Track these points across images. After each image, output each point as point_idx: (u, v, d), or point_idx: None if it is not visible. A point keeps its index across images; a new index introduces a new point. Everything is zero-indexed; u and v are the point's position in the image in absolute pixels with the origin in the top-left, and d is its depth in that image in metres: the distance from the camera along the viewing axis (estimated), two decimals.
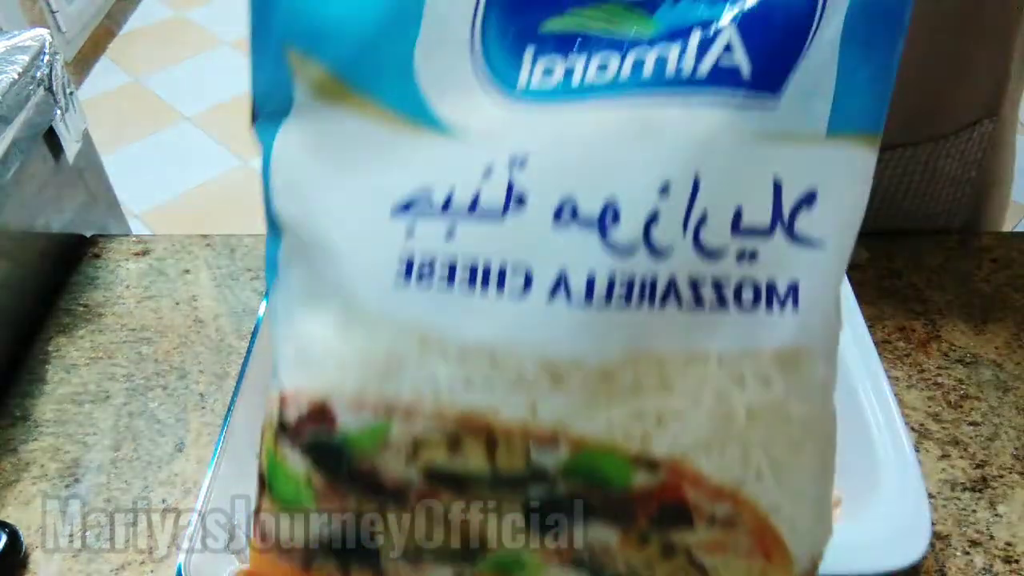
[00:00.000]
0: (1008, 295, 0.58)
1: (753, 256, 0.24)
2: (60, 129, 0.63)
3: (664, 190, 0.23)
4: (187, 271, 0.64)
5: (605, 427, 0.24)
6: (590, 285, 0.23)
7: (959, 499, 0.47)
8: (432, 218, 0.24)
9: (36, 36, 0.60)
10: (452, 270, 0.24)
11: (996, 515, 0.46)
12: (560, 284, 0.24)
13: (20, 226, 0.61)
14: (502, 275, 0.24)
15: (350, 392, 0.25)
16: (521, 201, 0.24)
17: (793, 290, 0.25)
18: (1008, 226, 1.76)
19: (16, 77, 0.57)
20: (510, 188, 0.24)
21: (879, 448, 0.43)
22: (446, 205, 0.24)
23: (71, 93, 0.64)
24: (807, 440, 0.26)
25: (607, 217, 0.23)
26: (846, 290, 0.50)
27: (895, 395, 0.45)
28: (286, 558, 0.26)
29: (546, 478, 0.24)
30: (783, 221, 0.24)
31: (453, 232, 0.24)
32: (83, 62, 2.24)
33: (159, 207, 1.83)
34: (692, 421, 0.24)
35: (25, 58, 0.58)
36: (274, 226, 0.28)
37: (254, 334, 0.49)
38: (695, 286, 0.24)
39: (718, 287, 0.24)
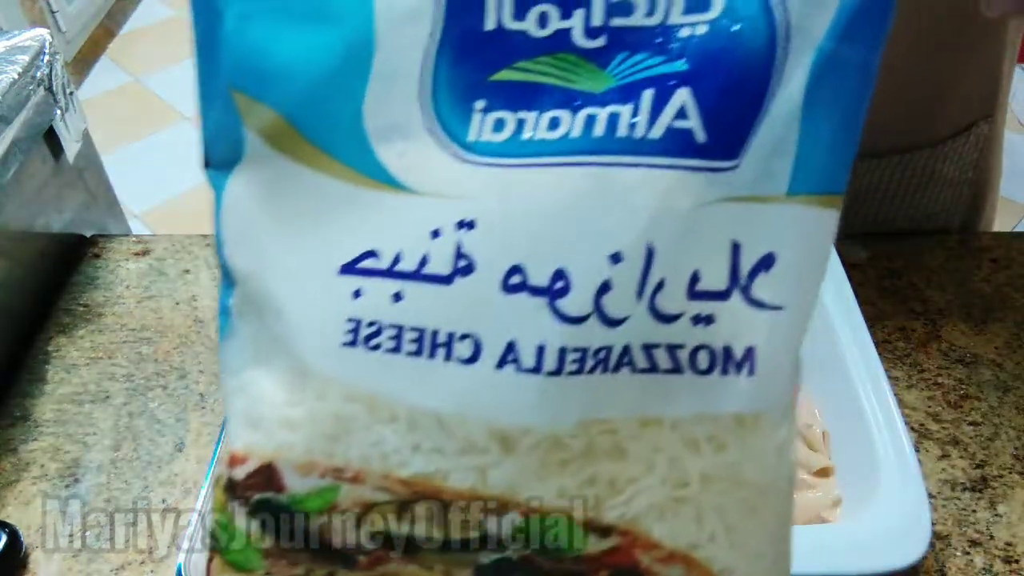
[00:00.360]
0: (1008, 295, 0.58)
1: (709, 320, 0.23)
2: (60, 129, 0.63)
3: (615, 259, 0.22)
4: (187, 271, 0.64)
5: (557, 493, 0.24)
6: (540, 354, 0.23)
7: (959, 499, 0.47)
8: (379, 279, 0.24)
9: (36, 36, 0.60)
10: (399, 334, 0.23)
11: (996, 515, 0.46)
12: (509, 353, 0.23)
13: (20, 226, 0.61)
14: (450, 342, 0.23)
15: (298, 455, 0.24)
16: (469, 267, 0.23)
17: (750, 354, 0.24)
18: (1008, 226, 1.76)
19: (16, 77, 0.57)
20: (458, 252, 0.23)
21: (879, 448, 0.43)
22: (393, 266, 0.24)
23: (71, 93, 0.64)
24: (762, 503, 0.25)
25: (557, 286, 0.23)
26: (846, 290, 0.50)
27: (895, 395, 0.45)
28: None
29: (497, 543, 0.24)
30: (741, 284, 0.23)
31: (400, 295, 0.23)
32: (83, 62, 2.24)
33: (159, 207, 1.83)
34: (645, 487, 0.24)
35: (25, 58, 0.58)
36: (227, 274, 0.27)
37: None
38: (649, 351, 0.23)
39: (673, 352, 0.23)
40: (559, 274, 0.23)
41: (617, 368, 0.23)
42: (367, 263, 0.24)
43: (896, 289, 0.59)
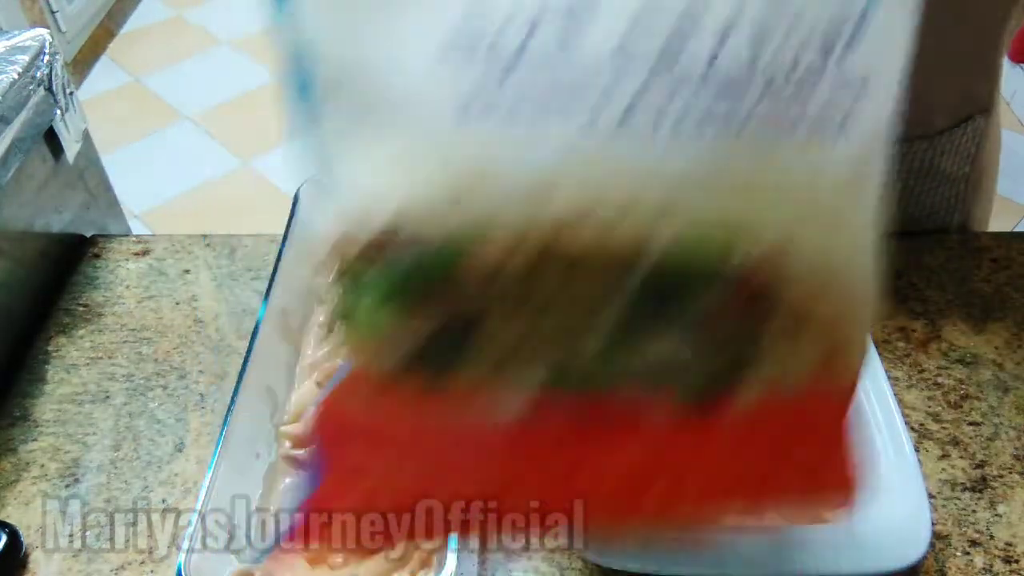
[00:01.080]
0: (1008, 295, 0.58)
1: (813, 86, 0.25)
2: (60, 129, 0.63)
3: (728, 27, 0.23)
4: (187, 271, 0.64)
5: (700, 221, 0.25)
6: (660, 116, 0.24)
7: (959, 499, 0.47)
8: (486, 53, 0.24)
9: (36, 36, 0.60)
10: (513, 104, 0.24)
11: (996, 515, 0.46)
12: (629, 115, 0.24)
13: (20, 226, 0.61)
14: (566, 109, 0.24)
15: (423, 215, 0.24)
16: (580, 35, 0.23)
17: (846, 121, 0.26)
18: (1008, 226, 1.76)
19: (16, 77, 0.57)
20: (567, 22, 0.23)
21: (879, 448, 0.43)
22: (499, 40, 0.24)
23: (71, 93, 0.64)
24: (868, 224, 0.31)
25: (670, 51, 0.23)
26: None
27: (895, 395, 0.45)
28: (374, 378, 0.27)
29: (643, 267, 0.25)
30: (836, 56, 0.25)
31: (510, 68, 0.24)
32: (83, 62, 2.24)
33: (159, 207, 1.83)
34: (775, 220, 0.26)
35: (25, 58, 0.58)
36: (299, 58, 0.27)
37: (254, 334, 0.49)
38: (761, 116, 0.25)
39: (783, 116, 0.25)
40: (672, 41, 0.23)
41: (732, 131, 0.24)
42: (473, 39, 0.24)
43: (896, 289, 0.59)
